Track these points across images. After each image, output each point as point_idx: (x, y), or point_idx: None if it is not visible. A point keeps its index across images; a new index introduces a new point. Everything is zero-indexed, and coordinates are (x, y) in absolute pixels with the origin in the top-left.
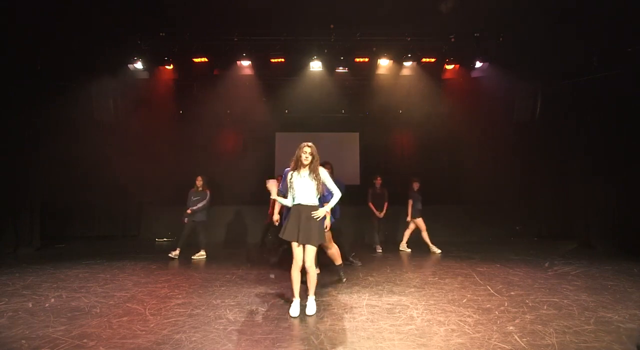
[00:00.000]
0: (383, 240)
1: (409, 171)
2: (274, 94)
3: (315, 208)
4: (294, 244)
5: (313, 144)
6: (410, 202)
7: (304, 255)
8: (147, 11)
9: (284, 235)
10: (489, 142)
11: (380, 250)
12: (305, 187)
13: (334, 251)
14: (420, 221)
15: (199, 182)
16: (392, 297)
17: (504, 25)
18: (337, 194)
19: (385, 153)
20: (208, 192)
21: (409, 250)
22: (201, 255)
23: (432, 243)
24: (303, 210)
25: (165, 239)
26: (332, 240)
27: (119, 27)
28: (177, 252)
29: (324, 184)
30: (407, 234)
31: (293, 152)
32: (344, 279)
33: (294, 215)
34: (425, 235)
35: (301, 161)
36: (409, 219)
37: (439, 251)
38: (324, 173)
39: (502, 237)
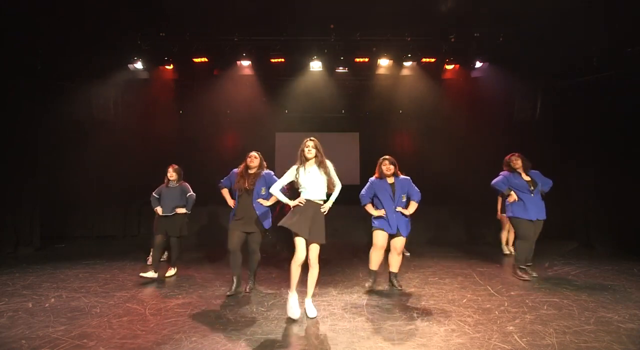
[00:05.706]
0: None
1: (409, 171)
2: (274, 94)
3: (322, 205)
4: (299, 239)
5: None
6: (500, 198)
7: (308, 252)
8: (147, 11)
9: (294, 227)
10: (489, 142)
11: (408, 254)
12: (314, 182)
13: (399, 259)
14: (505, 218)
15: (174, 175)
16: (392, 297)
17: (503, 25)
18: (338, 186)
19: (385, 153)
20: (188, 186)
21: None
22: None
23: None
24: (312, 207)
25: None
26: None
27: (119, 27)
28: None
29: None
30: (504, 236)
31: (293, 152)
32: (400, 288)
33: (304, 210)
34: (505, 234)
35: (304, 155)
36: (498, 216)
37: (508, 252)
38: (330, 166)
39: None
